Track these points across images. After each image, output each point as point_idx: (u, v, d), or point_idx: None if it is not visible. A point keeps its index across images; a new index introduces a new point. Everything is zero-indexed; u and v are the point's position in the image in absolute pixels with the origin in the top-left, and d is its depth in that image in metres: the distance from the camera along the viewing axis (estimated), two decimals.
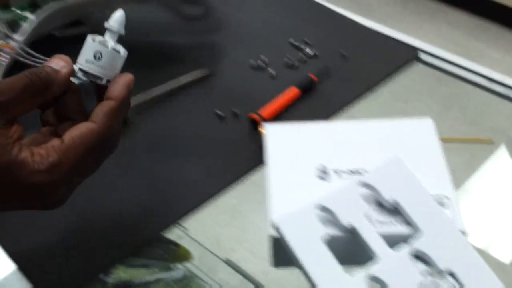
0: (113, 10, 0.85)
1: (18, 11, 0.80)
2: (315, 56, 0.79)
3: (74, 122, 0.47)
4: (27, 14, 0.77)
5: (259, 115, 0.67)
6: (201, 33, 0.85)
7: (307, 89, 0.73)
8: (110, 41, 0.48)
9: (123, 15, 0.49)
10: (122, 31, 0.49)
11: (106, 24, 0.49)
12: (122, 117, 0.48)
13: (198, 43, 0.83)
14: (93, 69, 0.47)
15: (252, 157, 0.64)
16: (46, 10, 0.77)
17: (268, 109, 0.69)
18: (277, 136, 0.59)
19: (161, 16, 0.87)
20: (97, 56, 0.47)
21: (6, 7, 0.80)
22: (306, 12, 0.89)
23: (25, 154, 0.42)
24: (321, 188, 0.53)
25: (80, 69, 0.47)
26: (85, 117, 0.47)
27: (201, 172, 0.63)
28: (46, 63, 0.47)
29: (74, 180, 0.46)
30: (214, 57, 0.81)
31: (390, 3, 2.31)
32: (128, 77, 0.48)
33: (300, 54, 0.80)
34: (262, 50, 0.80)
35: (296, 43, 0.81)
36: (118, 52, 0.48)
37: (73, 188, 0.47)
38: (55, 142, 0.44)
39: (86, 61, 0.47)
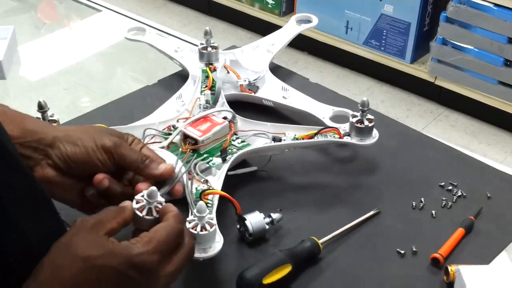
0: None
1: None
2: (462, 196, 0.92)
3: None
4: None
5: (441, 256, 0.78)
6: (355, 174, 0.98)
7: (469, 230, 0.84)
8: (153, 204, 0.68)
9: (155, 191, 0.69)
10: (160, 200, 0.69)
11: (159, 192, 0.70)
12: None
13: (356, 184, 0.96)
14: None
15: None
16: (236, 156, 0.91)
17: (446, 249, 0.80)
18: (477, 279, 0.69)
19: (317, 158, 1.01)
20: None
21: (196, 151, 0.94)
22: (442, 157, 1.01)
23: (124, 242, 0.62)
24: None
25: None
26: None
27: None
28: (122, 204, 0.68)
29: (166, 267, 0.63)
30: (375, 198, 0.93)
31: None
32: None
33: (451, 195, 0.92)
34: (418, 192, 0.93)
35: (446, 187, 0.94)
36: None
37: (169, 278, 0.63)
38: (143, 233, 0.64)
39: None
